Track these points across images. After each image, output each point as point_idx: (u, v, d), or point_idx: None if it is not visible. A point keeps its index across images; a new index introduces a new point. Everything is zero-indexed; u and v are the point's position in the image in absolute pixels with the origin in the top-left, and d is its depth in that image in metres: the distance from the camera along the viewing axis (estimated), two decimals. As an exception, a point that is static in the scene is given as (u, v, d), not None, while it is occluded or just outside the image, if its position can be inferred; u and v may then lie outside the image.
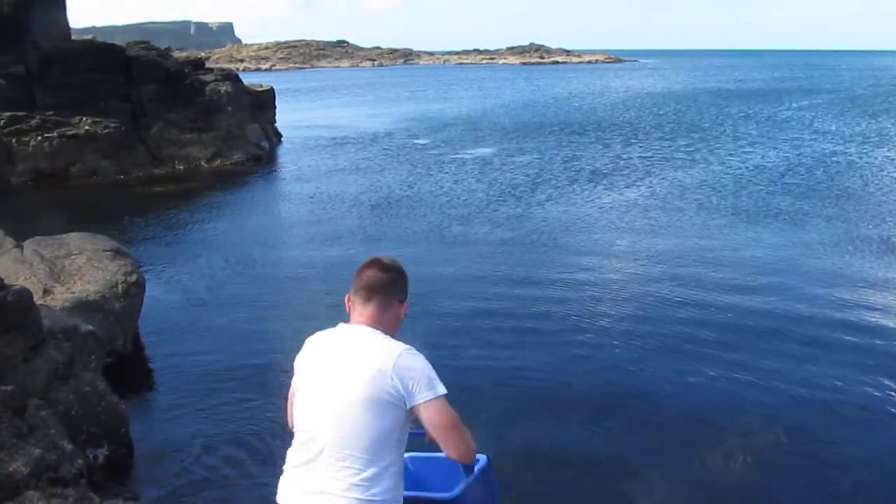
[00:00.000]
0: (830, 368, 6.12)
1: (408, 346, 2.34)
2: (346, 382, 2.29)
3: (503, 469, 3.84)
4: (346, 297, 2.47)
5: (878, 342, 6.72)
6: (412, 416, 2.32)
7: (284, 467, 2.42)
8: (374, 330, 2.37)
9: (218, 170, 17.68)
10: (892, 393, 5.69)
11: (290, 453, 2.41)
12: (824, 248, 9.96)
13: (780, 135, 22.39)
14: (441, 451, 2.40)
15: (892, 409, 5.45)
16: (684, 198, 13.36)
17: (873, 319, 7.30)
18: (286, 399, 2.58)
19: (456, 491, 2.72)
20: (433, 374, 2.31)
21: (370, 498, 2.26)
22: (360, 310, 2.40)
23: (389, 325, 2.42)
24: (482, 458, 2.87)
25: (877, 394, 5.68)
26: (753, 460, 4.72)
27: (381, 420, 2.26)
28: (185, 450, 4.87)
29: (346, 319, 2.42)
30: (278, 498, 2.40)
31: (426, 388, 2.26)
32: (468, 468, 2.73)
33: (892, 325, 7.17)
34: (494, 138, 22.62)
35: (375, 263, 2.44)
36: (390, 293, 2.41)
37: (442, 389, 2.29)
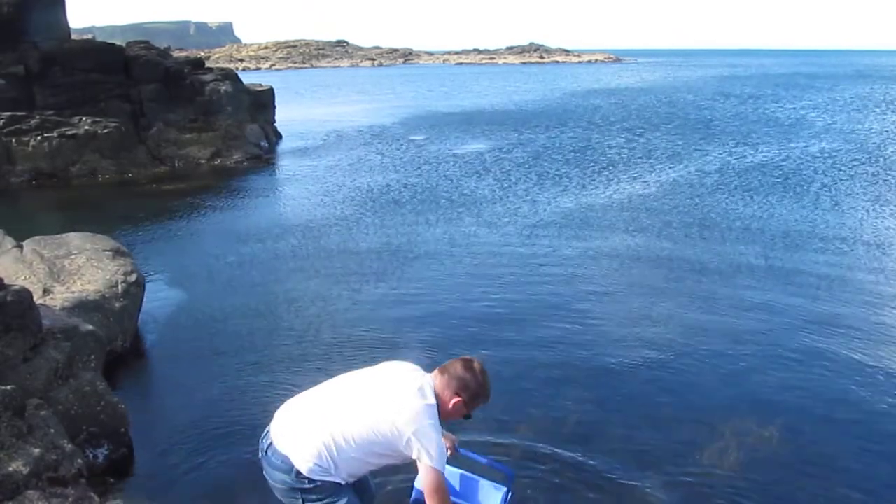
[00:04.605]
0: (826, 371, 6.14)
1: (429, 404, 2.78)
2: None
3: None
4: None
5: (877, 341, 6.73)
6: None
7: None
8: (424, 375, 2.90)
9: (218, 169, 17.70)
10: (890, 393, 5.71)
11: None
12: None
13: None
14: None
15: (888, 410, 5.46)
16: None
17: (874, 314, 7.32)
18: None
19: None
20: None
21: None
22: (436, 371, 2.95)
23: (443, 398, 2.86)
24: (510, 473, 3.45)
25: (872, 394, 5.69)
26: (749, 459, 4.72)
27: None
28: (185, 450, 4.88)
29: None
30: None
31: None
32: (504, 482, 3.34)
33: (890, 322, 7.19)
34: (493, 134, 22.63)
35: (466, 361, 2.95)
36: (454, 381, 2.88)
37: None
